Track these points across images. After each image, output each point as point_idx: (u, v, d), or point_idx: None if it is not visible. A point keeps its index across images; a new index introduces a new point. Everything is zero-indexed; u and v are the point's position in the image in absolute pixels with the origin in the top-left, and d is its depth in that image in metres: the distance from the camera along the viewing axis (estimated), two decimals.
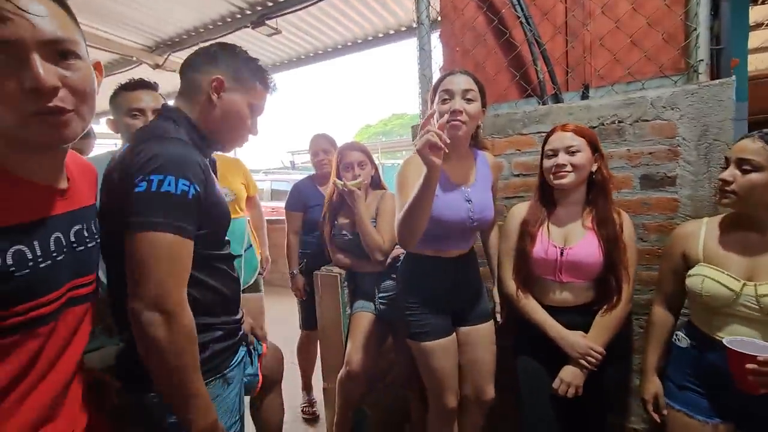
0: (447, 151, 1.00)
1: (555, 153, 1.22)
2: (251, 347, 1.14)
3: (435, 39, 1.86)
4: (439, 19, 1.89)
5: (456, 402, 1.37)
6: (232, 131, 0.97)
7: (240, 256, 2.05)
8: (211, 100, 0.91)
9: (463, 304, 1.40)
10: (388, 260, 1.70)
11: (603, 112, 1.44)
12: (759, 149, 0.96)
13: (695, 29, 1.34)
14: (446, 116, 1.17)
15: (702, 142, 1.31)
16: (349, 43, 4.47)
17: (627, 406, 1.46)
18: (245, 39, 4.09)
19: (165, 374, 0.76)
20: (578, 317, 1.23)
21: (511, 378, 1.34)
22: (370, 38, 4.35)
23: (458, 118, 1.22)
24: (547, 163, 1.24)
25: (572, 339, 1.19)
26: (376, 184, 1.84)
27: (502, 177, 1.60)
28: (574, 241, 1.22)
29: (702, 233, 1.10)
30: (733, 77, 1.28)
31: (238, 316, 1.03)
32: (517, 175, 1.61)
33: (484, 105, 1.30)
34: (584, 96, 1.56)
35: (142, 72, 4.24)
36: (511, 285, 1.31)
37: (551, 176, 1.23)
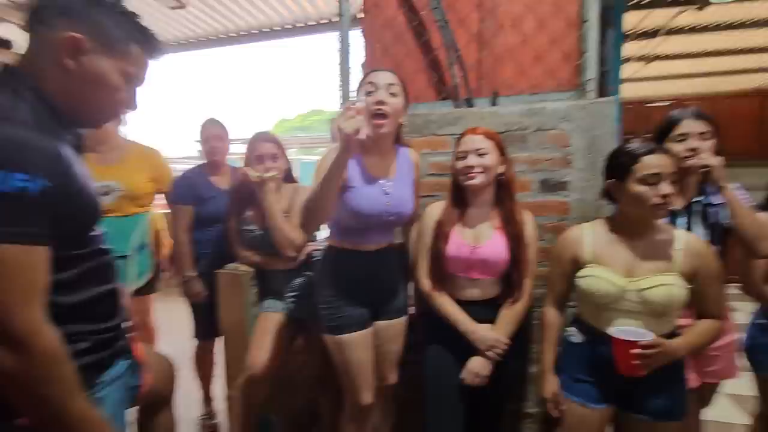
0: (363, 137, 1.07)
1: (465, 155, 1.27)
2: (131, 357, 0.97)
3: (357, 34, 1.83)
4: (361, 15, 1.87)
5: (371, 399, 1.36)
6: (95, 105, 0.78)
7: (125, 256, 1.79)
8: (64, 65, 0.71)
9: (380, 298, 1.39)
10: (300, 257, 1.62)
11: (509, 119, 1.54)
12: (672, 162, 1.08)
13: (586, 51, 1.50)
14: (370, 104, 1.22)
15: (590, 152, 1.47)
16: (265, 29, 4.23)
17: (523, 393, 1.58)
18: (141, 9, 3.63)
19: (33, 407, 0.63)
20: (485, 311, 1.29)
21: (421, 372, 1.37)
22: (288, 26, 4.17)
23: (382, 108, 1.23)
24: (459, 164, 1.29)
25: (481, 333, 1.25)
26: (288, 177, 1.75)
27: None
28: (484, 240, 1.28)
29: (587, 237, 1.21)
30: (615, 96, 1.46)
31: (113, 323, 0.85)
32: (432, 175, 1.65)
33: (406, 102, 1.32)
34: (494, 103, 1.65)
35: (6, 31, 3.52)
36: (426, 283, 1.34)
37: (462, 177, 1.27)
